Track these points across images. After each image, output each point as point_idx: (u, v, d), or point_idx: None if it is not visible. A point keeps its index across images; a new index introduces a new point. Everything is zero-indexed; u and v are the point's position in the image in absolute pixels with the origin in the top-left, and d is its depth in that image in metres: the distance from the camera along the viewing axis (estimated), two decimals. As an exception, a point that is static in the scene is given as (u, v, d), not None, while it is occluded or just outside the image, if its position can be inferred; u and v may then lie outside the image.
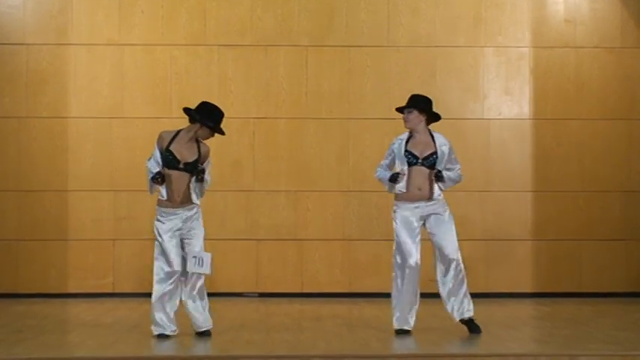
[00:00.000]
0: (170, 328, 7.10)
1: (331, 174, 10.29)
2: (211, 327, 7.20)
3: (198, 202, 7.22)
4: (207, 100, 7.44)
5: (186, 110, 7.31)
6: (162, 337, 7.06)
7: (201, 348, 6.77)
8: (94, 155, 10.17)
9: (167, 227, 7.11)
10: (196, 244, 7.15)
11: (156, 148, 7.20)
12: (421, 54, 10.35)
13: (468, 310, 7.32)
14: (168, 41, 10.26)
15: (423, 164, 7.33)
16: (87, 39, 10.23)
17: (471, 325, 7.33)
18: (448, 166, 7.41)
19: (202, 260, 7.11)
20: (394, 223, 7.38)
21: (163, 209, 7.16)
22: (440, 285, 7.35)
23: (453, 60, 10.37)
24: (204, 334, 7.14)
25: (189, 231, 7.15)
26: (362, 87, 10.33)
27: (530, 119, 10.38)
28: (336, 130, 10.31)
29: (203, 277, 7.19)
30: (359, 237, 10.23)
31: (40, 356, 6.25)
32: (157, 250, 7.16)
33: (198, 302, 7.15)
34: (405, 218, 7.33)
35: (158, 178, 7.08)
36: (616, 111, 10.40)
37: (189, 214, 7.16)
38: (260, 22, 10.31)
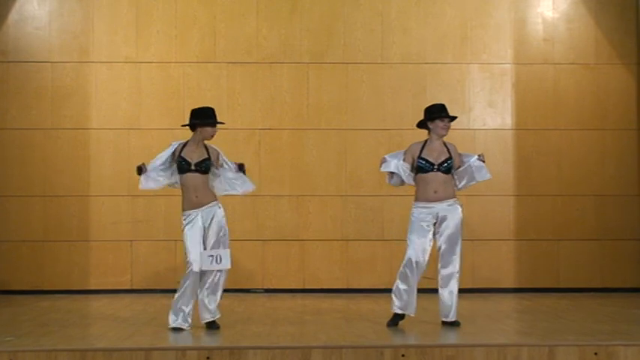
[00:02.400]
0: (182, 322, 7.11)
1: (330, 180, 10.28)
2: (212, 319, 7.16)
3: (240, 191, 7.42)
4: (199, 106, 7.46)
5: (185, 125, 7.34)
6: (175, 330, 7.07)
7: (212, 340, 6.76)
8: (113, 163, 10.17)
9: (192, 232, 7.11)
10: (210, 242, 7.13)
11: (164, 151, 7.30)
12: (412, 70, 10.35)
13: (452, 315, 7.30)
14: (181, 59, 10.27)
15: (439, 170, 7.28)
16: (107, 57, 10.24)
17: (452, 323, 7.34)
18: (464, 159, 7.40)
19: (220, 257, 7.09)
20: (410, 222, 7.32)
21: (186, 211, 7.17)
22: (439, 283, 7.35)
23: (441, 75, 10.38)
24: (211, 326, 7.14)
25: (211, 232, 7.15)
26: (358, 100, 10.33)
27: (512, 129, 10.38)
28: (335, 139, 10.31)
29: (223, 273, 7.15)
30: (356, 237, 10.22)
31: (64, 347, 6.24)
32: (185, 251, 7.19)
33: (210, 296, 7.15)
34: (420, 218, 7.28)
35: (140, 167, 7.19)
36: (590, 122, 10.40)
37: (208, 212, 7.15)
38: (265, 42, 10.32)
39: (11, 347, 6.22)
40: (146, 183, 7.27)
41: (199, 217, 7.13)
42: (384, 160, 7.48)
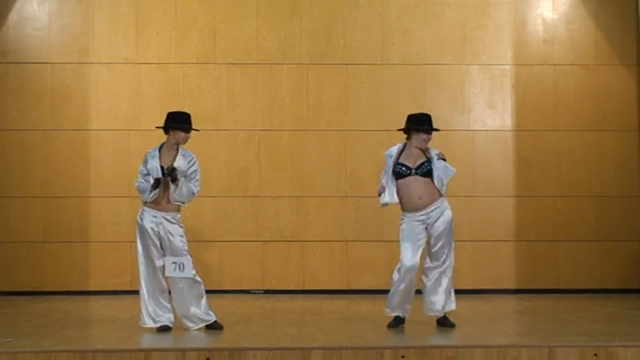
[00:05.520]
0: (164, 318, 7.14)
1: (330, 180, 10.29)
2: (194, 327, 7.17)
3: (176, 203, 7.13)
4: (176, 110, 7.53)
5: (159, 127, 7.32)
6: (163, 329, 7.10)
7: (212, 340, 6.76)
8: (113, 164, 10.18)
9: (147, 227, 7.09)
10: (175, 250, 7.10)
11: (141, 165, 7.23)
12: (412, 71, 10.36)
13: (444, 307, 7.31)
14: (181, 60, 10.28)
15: (417, 173, 7.28)
16: (107, 58, 10.25)
17: (444, 320, 7.32)
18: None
19: (183, 265, 7.09)
20: (400, 231, 7.28)
21: (146, 207, 7.15)
22: (425, 279, 7.33)
23: (441, 76, 10.39)
24: (213, 327, 7.17)
25: (168, 236, 7.11)
26: (358, 101, 10.34)
27: (511, 130, 10.39)
28: (335, 140, 10.31)
29: (189, 280, 7.13)
30: (356, 238, 10.23)
31: (63, 348, 6.24)
32: (138, 249, 7.17)
33: (195, 306, 7.17)
34: (411, 228, 7.24)
35: (157, 182, 7.08)
36: (590, 123, 10.41)
37: (168, 219, 7.12)
38: (265, 43, 10.33)
39: (11, 348, 6.23)
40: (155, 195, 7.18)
41: (157, 219, 7.10)
42: (382, 190, 7.39)
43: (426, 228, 7.27)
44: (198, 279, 7.17)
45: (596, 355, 6.17)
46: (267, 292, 10.16)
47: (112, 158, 10.19)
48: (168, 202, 7.12)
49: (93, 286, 10.09)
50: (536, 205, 10.32)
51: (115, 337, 6.92)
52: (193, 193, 7.22)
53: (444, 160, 7.27)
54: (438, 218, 7.25)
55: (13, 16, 10.24)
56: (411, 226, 7.25)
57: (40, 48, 10.23)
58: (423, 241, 7.27)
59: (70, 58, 10.23)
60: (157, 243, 7.12)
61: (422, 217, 7.25)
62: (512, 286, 10.25)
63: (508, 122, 10.39)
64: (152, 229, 7.10)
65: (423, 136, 7.33)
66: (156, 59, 10.27)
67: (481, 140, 10.36)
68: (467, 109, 10.38)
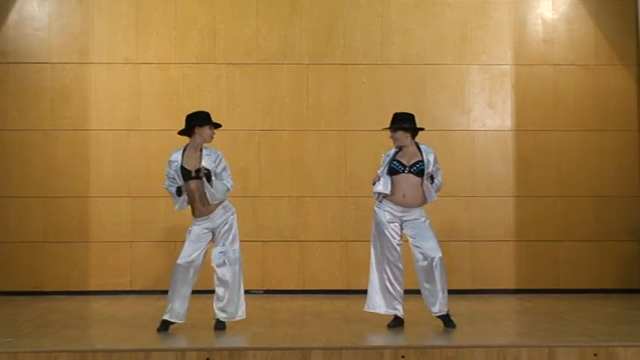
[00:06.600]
0: (180, 314, 7.18)
1: (330, 181, 10.29)
2: (222, 318, 7.22)
3: (213, 202, 7.14)
4: (195, 111, 7.48)
5: (181, 132, 7.31)
6: (165, 323, 7.13)
7: (212, 340, 6.77)
8: (113, 164, 10.18)
9: (197, 229, 7.18)
10: (225, 242, 7.20)
11: (167, 167, 7.23)
12: (412, 71, 10.36)
13: (446, 305, 7.31)
14: (180, 60, 10.28)
15: (410, 171, 7.32)
16: (106, 58, 10.26)
17: (446, 319, 7.32)
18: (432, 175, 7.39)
19: (229, 255, 7.19)
20: (373, 219, 7.45)
21: (195, 218, 7.24)
22: (421, 283, 7.35)
23: (441, 76, 10.39)
24: (217, 325, 7.19)
25: (222, 233, 7.21)
26: (358, 101, 10.34)
27: (511, 130, 10.39)
28: (335, 140, 10.32)
29: (229, 269, 7.20)
30: (356, 238, 10.23)
31: (63, 348, 6.25)
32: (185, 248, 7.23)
33: (220, 292, 7.22)
34: (384, 213, 7.37)
35: (180, 190, 7.13)
36: (590, 123, 10.41)
37: (220, 218, 7.21)
38: (265, 43, 10.33)
39: (11, 348, 6.23)
40: (183, 203, 7.20)
41: (209, 221, 7.19)
42: (377, 179, 7.45)
43: (401, 228, 7.38)
44: (240, 273, 7.28)
45: (596, 355, 6.17)
46: (267, 292, 10.16)
47: (111, 158, 10.19)
48: (208, 203, 7.14)
49: (93, 286, 10.09)
50: (536, 205, 10.33)
51: (115, 337, 6.92)
52: (228, 189, 7.26)
53: (432, 181, 7.29)
54: (414, 220, 7.32)
55: (13, 16, 10.24)
56: (384, 213, 7.38)
57: (40, 48, 10.23)
58: (397, 229, 7.38)
59: (70, 58, 10.24)
60: (206, 244, 7.21)
61: (396, 212, 7.34)
62: (512, 286, 10.25)
63: (508, 122, 10.39)
64: (203, 231, 7.18)
65: (389, 133, 7.44)
66: (156, 59, 10.27)
67: (481, 140, 10.37)
68: (467, 109, 10.39)
